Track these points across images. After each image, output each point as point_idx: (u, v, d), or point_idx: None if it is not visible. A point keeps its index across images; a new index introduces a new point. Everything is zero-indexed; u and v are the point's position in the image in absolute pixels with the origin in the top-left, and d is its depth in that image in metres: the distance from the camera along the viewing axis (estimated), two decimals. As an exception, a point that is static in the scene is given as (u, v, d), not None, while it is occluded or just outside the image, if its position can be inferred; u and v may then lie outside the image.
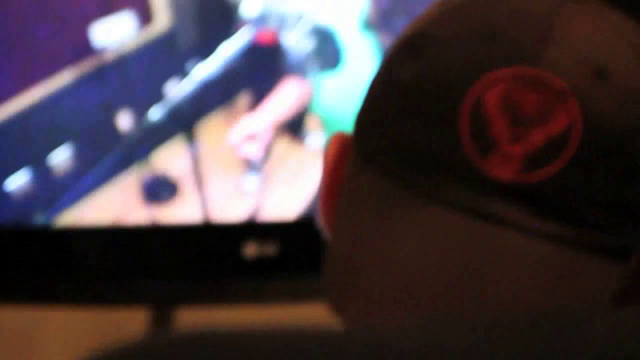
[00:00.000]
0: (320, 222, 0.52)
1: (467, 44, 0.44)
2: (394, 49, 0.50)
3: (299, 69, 1.58)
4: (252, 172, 2.03)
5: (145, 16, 2.03)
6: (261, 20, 1.59)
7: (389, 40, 1.48)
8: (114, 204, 2.11)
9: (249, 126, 1.67)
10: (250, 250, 1.69)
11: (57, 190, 1.95)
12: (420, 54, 0.46)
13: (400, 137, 0.46)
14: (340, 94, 1.57)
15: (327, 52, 1.55)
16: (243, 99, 2.16)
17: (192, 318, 1.68)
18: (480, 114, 0.43)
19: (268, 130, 1.68)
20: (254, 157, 1.66)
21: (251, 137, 1.65)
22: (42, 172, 2.02)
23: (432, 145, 0.44)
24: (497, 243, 0.42)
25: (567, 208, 0.42)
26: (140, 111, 1.85)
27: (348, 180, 0.50)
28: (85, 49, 1.91)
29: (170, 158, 2.19)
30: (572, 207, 0.42)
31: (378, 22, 1.48)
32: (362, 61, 1.52)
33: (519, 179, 0.41)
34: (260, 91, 2.07)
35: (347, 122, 1.54)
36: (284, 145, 1.95)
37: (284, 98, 1.68)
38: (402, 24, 1.50)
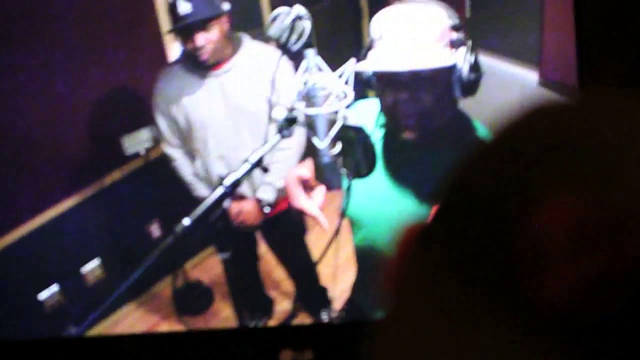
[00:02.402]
0: (385, 291, 0.51)
1: (539, 158, 0.40)
2: (470, 155, 0.47)
3: (330, 173, 1.56)
4: None
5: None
6: (290, 123, 1.59)
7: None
8: (147, 315, 2.10)
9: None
10: (286, 356, 1.66)
11: (90, 302, 1.95)
12: (492, 161, 0.42)
13: (457, 251, 0.45)
14: (369, 195, 1.56)
15: (359, 153, 1.54)
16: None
17: None
18: (538, 237, 0.38)
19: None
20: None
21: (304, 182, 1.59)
22: (74, 284, 2.02)
23: (483, 261, 0.40)
24: None
25: None
26: (172, 220, 1.85)
27: (413, 269, 0.48)
28: (114, 160, 1.95)
29: (203, 267, 2.19)
30: None
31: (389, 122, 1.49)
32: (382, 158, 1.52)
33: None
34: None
35: (377, 222, 1.55)
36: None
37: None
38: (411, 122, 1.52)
